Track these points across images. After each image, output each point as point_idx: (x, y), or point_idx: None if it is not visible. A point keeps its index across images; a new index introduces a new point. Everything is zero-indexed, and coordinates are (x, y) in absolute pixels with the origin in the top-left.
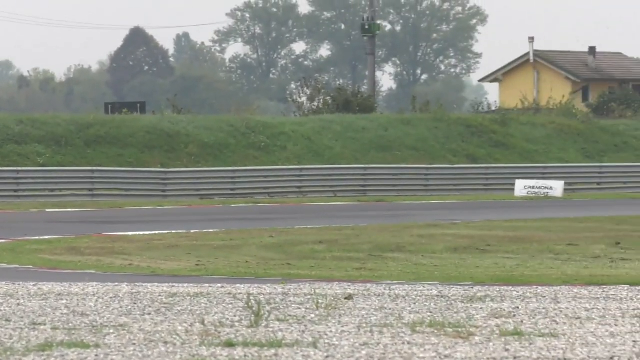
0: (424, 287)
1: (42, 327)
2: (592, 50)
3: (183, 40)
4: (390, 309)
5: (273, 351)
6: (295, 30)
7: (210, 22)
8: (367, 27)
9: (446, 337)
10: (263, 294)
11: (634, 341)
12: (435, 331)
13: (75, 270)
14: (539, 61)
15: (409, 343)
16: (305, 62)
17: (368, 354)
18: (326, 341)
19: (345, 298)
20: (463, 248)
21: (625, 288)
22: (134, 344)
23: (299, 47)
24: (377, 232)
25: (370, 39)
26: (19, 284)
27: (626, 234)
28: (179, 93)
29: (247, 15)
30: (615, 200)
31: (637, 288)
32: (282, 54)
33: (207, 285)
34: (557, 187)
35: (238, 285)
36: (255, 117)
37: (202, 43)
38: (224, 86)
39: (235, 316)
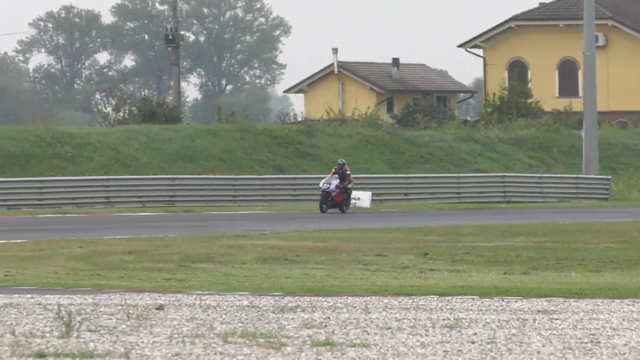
0: (234, 297)
1: None
2: (395, 61)
3: None
4: (201, 319)
5: None
6: (98, 40)
7: (12, 32)
8: (170, 37)
9: (258, 347)
10: (73, 305)
11: (444, 351)
12: (247, 341)
13: None
14: (343, 72)
15: (221, 353)
16: (110, 73)
17: None
18: (138, 352)
19: (156, 308)
20: (272, 258)
21: (435, 298)
22: None
23: (103, 57)
24: (186, 242)
25: (174, 49)
26: None
27: (434, 244)
28: None
29: (50, 25)
30: (422, 210)
31: (447, 298)
32: (86, 64)
33: (16, 295)
34: (364, 198)
35: (48, 295)
36: (60, 128)
37: (5, 53)
38: (28, 96)
39: (45, 327)
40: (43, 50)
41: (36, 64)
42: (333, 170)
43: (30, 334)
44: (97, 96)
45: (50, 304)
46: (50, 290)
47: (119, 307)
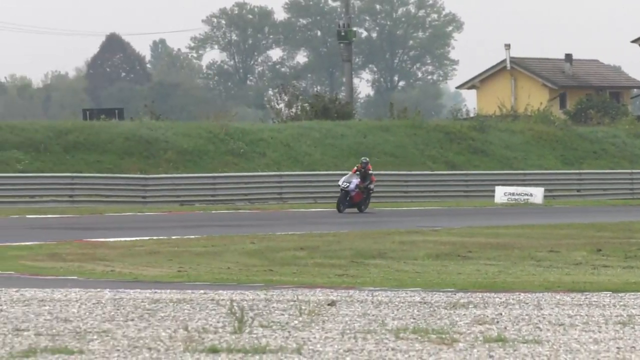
0: (406, 293)
1: (25, 333)
2: (568, 57)
3: (159, 47)
4: (373, 315)
5: (257, 357)
6: (271, 36)
7: (186, 29)
8: (343, 33)
9: (430, 343)
10: (246, 300)
11: (617, 347)
12: (419, 337)
13: (57, 276)
14: (516, 68)
15: (392, 349)
16: (282, 69)
17: (352, 359)
18: (310, 347)
19: (328, 304)
20: (445, 254)
21: (608, 294)
22: (118, 349)
23: (276, 53)
24: (359, 238)
25: (347, 45)
26: (0, 290)
27: (606, 241)
28: (157, 99)
29: (223, 22)
30: (594, 207)
31: (620, 295)
32: (259, 60)
33: (189, 291)
34: (537, 194)
35: (220, 291)
36: (233, 124)
37: (179, 49)
38: (201, 93)
39: (218, 322)
40: (216, 46)
41: (209, 60)
42: (355, 168)
43: (203, 329)
44: (270, 92)
45: (223, 299)
46: (223, 286)
47: (291, 303)
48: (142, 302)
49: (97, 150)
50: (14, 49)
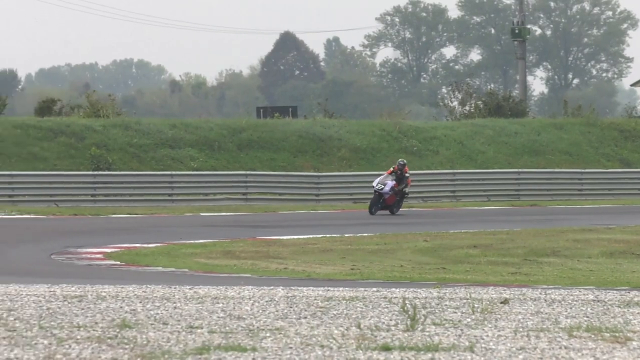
0: (579, 291)
1: (199, 330)
2: None
3: (333, 45)
4: (546, 313)
5: (429, 355)
6: (445, 34)
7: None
8: (516, 31)
9: (603, 342)
10: (418, 298)
11: None
12: (592, 336)
13: (230, 273)
14: None
15: (566, 348)
16: (456, 67)
17: (525, 358)
18: (483, 345)
19: (501, 302)
20: (619, 253)
21: None
22: (291, 347)
23: (449, 51)
24: (532, 236)
25: (521, 43)
26: (175, 288)
27: None
28: (330, 97)
29: (397, 20)
30: None
31: None
32: (432, 58)
33: (362, 289)
34: None
35: (393, 289)
36: (406, 122)
37: (352, 47)
38: (374, 90)
39: (390, 320)
40: (390, 44)
41: (383, 58)
42: (391, 169)
43: (375, 327)
44: (444, 90)
45: (395, 297)
46: (396, 284)
47: (464, 301)
48: (315, 299)
49: (270, 148)
50: (189, 47)
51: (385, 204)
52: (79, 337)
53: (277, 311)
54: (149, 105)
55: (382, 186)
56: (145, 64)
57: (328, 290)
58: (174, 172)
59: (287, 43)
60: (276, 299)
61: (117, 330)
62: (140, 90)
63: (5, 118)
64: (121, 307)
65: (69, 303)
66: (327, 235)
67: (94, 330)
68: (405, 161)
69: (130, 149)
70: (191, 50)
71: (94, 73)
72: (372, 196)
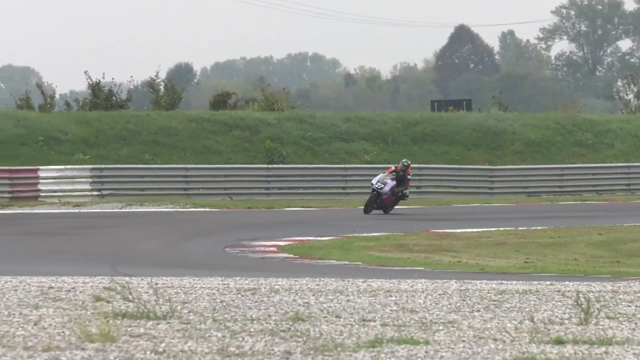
0: None
1: (371, 323)
2: None
3: (508, 38)
4: None
5: (603, 349)
6: (621, 27)
7: (535, 20)
8: None
9: None
10: (592, 292)
11: None
12: None
13: (403, 267)
14: None
15: None
16: (632, 60)
17: None
18: None
19: None
20: None
21: None
22: (463, 340)
23: (625, 44)
24: None
25: None
26: (348, 281)
27: None
28: (504, 90)
29: (572, 13)
30: None
31: None
32: (608, 51)
33: (535, 282)
34: None
35: (567, 282)
36: (581, 115)
37: (527, 40)
38: (549, 84)
39: (564, 314)
40: (565, 37)
41: (558, 51)
42: (392, 168)
43: (548, 320)
44: (619, 83)
45: (569, 290)
46: (569, 277)
47: (638, 294)
48: (488, 293)
49: (444, 142)
50: (363, 41)
51: (382, 204)
52: (252, 329)
53: (450, 304)
54: (323, 98)
55: (382, 185)
56: (319, 57)
57: (501, 283)
58: (347, 165)
59: (462, 36)
60: (449, 292)
61: (290, 323)
62: (315, 83)
63: (181, 111)
64: (294, 300)
65: (242, 296)
66: (501, 229)
67: (267, 323)
68: (409, 162)
69: (304, 142)
70: (366, 43)
71: (269, 67)
72: (547, 188)
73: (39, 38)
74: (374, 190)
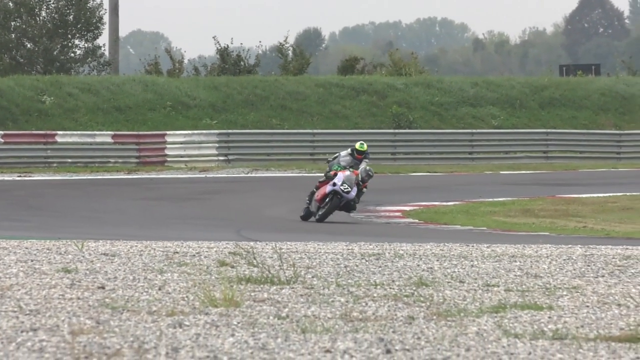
0: None
1: (495, 288)
2: None
3: (638, 2)
4: None
5: None
6: None
7: None
8: None
9: None
10: None
11: None
12: None
13: (528, 232)
14: None
15: None
16: None
17: None
18: None
19: None
20: None
21: None
22: (587, 306)
23: None
24: None
25: None
26: (472, 246)
27: None
28: (634, 55)
29: None
30: None
31: None
32: None
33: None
34: None
35: None
36: None
37: None
38: None
39: None
40: None
41: None
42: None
43: None
44: None
45: None
46: None
47: None
48: (613, 258)
49: (572, 106)
50: (493, 5)
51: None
52: (375, 295)
53: (574, 270)
54: (451, 63)
55: (349, 189)
56: (449, 22)
57: (627, 249)
58: (474, 130)
59: (592, 1)
60: (574, 258)
61: (414, 288)
62: (443, 48)
63: (309, 77)
64: (418, 265)
65: (366, 261)
66: (628, 194)
67: (390, 288)
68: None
69: (432, 107)
70: (496, 8)
71: (398, 31)
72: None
73: (168, 3)
74: (333, 193)
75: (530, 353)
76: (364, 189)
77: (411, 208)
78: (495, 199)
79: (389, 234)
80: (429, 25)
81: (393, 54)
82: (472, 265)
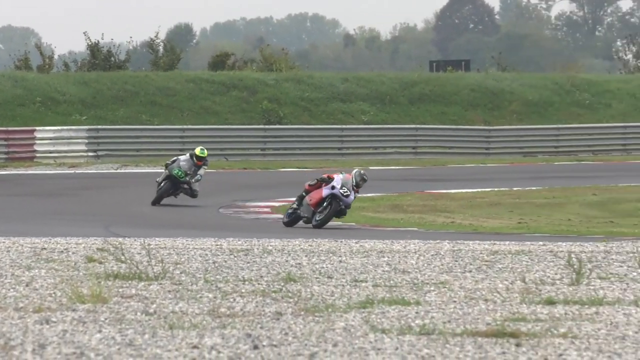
0: None
1: (363, 284)
2: None
3: None
4: None
5: (594, 309)
6: None
7: None
8: None
9: None
10: (584, 252)
11: None
12: None
13: (397, 227)
14: None
15: None
16: (632, 19)
17: None
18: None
19: None
20: None
21: None
22: (455, 301)
23: (626, 4)
24: None
25: None
26: (341, 241)
27: None
28: (504, 51)
29: None
30: None
31: None
32: (608, 10)
33: (528, 243)
34: None
35: (559, 243)
36: (579, 75)
37: (528, 1)
38: (549, 44)
39: (556, 274)
40: None
41: (558, 11)
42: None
43: (540, 281)
44: (618, 43)
45: (562, 251)
46: (562, 238)
47: (631, 255)
48: (481, 253)
49: (442, 102)
50: (363, 1)
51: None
52: (243, 290)
53: (442, 265)
54: (322, 59)
55: (349, 192)
56: (320, 17)
57: (494, 244)
58: (344, 126)
59: None
60: (442, 253)
61: (282, 284)
62: (314, 44)
63: (180, 72)
64: (287, 261)
65: (235, 257)
66: (496, 189)
67: (258, 284)
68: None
69: (302, 103)
70: (366, 3)
71: (269, 27)
72: (542, 149)
73: None
74: (332, 197)
75: (397, 348)
76: (357, 194)
77: (280, 204)
78: (364, 195)
79: (258, 229)
80: (300, 21)
81: (264, 49)
82: (341, 261)
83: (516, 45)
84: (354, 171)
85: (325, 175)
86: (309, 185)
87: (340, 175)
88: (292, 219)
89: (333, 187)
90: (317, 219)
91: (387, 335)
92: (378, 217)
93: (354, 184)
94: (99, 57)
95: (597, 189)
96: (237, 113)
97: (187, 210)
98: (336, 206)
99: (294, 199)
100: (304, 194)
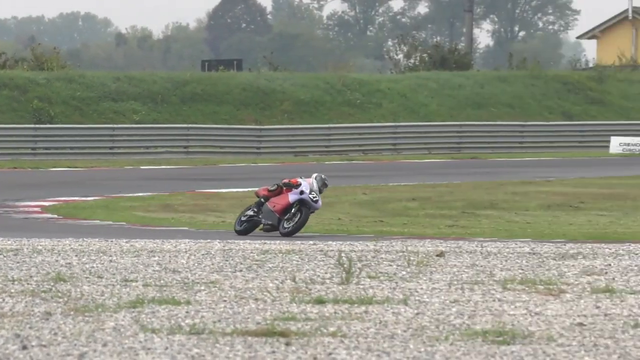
0: (516, 244)
1: (133, 284)
2: None
3: None
4: (481, 266)
5: (363, 308)
6: None
7: None
8: None
9: (537, 294)
10: (355, 251)
11: None
12: (526, 288)
13: (168, 227)
14: (638, 18)
15: (499, 300)
16: (403, 19)
17: (458, 310)
18: (416, 298)
19: (437, 255)
20: (556, 205)
21: None
22: (225, 300)
23: (397, 4)
24: (471, 189)
25: None
26: (112, 241)
27: None
28: (276, 50)
29: None
30: None
31: None
32: (380, 11)
33: (299, 242)
34: None
35: (330, 242)
36: (351, 75)
37: (300, 0)
38: (321, 44)
39: (326, 273)
40: None
41: (330, 11)
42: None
43: (310, 280)
44: (389, 43)
45: (332, 250)
46: (333, 237)
47: (400, 254)
48: (251, 253)
49: (213, 101)
50: (135, 0)
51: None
52: (12, 290)
53: (212, 264)
54: (94, 58)
55: (318, 197)
56: (91, 17)
57: (265, 243)
58: (115, 125)
59: None
60: (212, 252)
61: (52, 283)
62: (86, 43)
63: None
64: (57, 261)
65: (4, 257)
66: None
67: (28, 283)
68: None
69: (73, 102)
70: (139, 3)
71: (40, 26)
72: (314, 148)
73: None
74: (300, 203)
75: (167, 348)
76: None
77: (50, 203)
78: (135, 194)
79: (27, 229)
80: (72, 20)
81: (35, 48)
82: (111, 261)
83: (288, 45)
84: (315, 175)
85: (287, 180)
86: (269, 190)
87: (304, 180)
88: (247, 227)
89: (302, 192)
90: (286, 226)
91: (157, 334)
92: (149, 216)
93: (317, 189)
94: None
95: (368, 188)
96: (7, 112)
97: None
98: (306, 212)
99: (65, 198)
100: (262, 200)
